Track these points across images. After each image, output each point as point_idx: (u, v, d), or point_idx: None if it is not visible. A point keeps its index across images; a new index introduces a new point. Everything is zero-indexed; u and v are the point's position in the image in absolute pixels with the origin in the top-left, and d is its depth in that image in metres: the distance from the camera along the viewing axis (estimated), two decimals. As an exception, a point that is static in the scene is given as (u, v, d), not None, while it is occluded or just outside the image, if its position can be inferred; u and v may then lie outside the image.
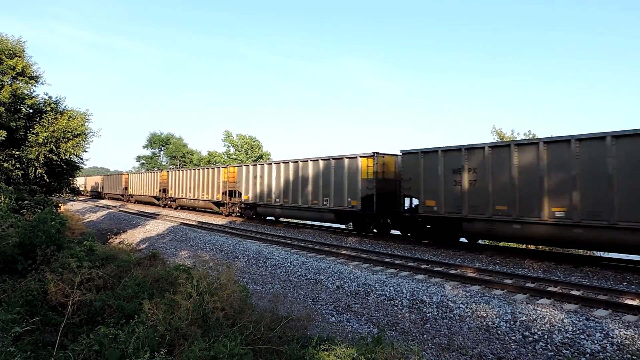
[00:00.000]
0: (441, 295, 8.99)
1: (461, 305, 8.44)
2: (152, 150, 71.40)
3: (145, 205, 41.39)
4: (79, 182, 67.49)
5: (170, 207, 35.82)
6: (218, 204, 28.69)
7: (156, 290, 7.55)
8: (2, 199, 13.75)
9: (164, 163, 69.72)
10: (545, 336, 6.97)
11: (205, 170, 29.64)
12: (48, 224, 9.28)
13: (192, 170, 31.84)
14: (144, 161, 71.50)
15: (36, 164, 17.96)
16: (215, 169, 28.32)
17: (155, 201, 38.94)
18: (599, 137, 10.48)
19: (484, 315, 7.94)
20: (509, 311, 7.87)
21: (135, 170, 71.69)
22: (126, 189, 46.44)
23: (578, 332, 6.89)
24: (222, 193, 27.03)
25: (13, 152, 17.58)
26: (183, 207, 35.52)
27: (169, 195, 35.34)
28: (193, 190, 31.21)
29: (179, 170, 34.13)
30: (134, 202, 44.04)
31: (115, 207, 39.85)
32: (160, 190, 37.18)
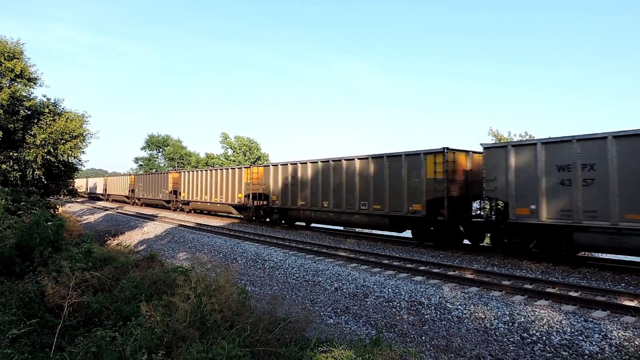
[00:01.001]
0: (439, 297, 8.99)
1: (459, 306, 8.44)
2: (150, 151, 71.23)
3: (202, 215, 30.91)
4: (95, 182, 59.82)
5: (274, 224, 22.81)
6: (417, 221, 15.35)
7: (154, 292, 7.53)
8: None
9: (161, 165, 69.55)
10: (544, 337, 6.97)
11: (376, 160, 16.35)
12: (44, 225, 9.25)
13: (336, 162, 18.05)
14: (141, 163, 71.31)
15: (34, 166, 17.93)
16: (409, 156, 15.20)
17: (235, 212, 26.73)
18: None
19: (482, 316, 7.94)
20: (507, 312, 7.87)
21: (134, 171, 71.19)
22: (175, 192, 33.80)
23: (576, 333, 6.89)
24: (429, 200, 14.31)
25: (11, 153, 17.54)
26: (302, 224, 22.53)
27: (275, 203, 21.66)
28: (337, 196, 17.88)
29: (295, 165, 20.21)
30: (188, 212, 32.13)
31: (113, 208, 39.74)
32: (246, 196, 24.28)
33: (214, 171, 28.57)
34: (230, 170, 26.64)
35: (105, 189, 52.72)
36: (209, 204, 29.12)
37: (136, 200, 42.42)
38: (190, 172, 31.66)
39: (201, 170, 30.33)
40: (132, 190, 43.02)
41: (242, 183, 24.88)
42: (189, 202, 31.95)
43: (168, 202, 35.15)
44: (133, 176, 44.11)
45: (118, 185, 48.11)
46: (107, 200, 52.28)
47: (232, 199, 26.01)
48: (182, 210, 33.36)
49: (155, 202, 38.51)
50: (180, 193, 33.22)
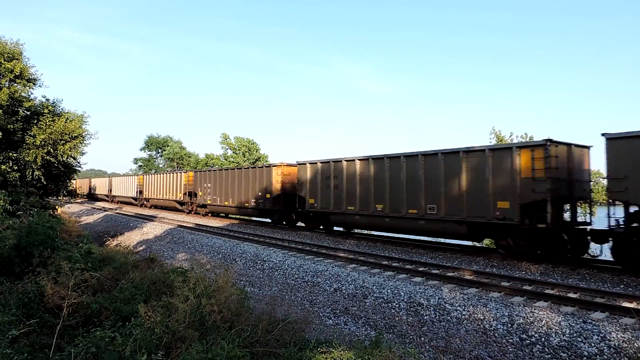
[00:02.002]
0: (438, 298, 8.99)
1: (458, 307, 8.45)
2: (149, 152, 71.26)
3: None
4: (120, 182, 46.74)
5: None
6: None
7: (153, 293, 7.55)
8: (-2, 201, 13.67)
9: (161, 165, 69.53)
10: (543, 339, 6.98)
11: None
12: (42, 226, 9.25)
13: None
14: (141, 163, 71.34)
15: (33, 166, 17.90)
16: None
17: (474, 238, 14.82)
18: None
19: (481, 317, 7.94)
20: (506, 314, 7.88)
21: (133, 171, 70.71)
22: (284, 197, 21.73)
23: (575, 334, 6.90)
24: None
25: (10, 154, 17.53)
26: None
27: None
28: None
29: None
30: (326, 232, 19.94)
31: (112, 209, 39.71)
32: (526, 206, 12.06)
33: (409, 158, 15.23)
34: (488, 153, 13.09)
35: (141, 191, 40.34)
36: (404, 219, 15.38)
37: (196, 208, 30.66)
38: (338, 163, 17.95)
39: (373, 159, 16.58)
40: (190, 194, 31.02)
41: (513, 177, 12.40)
42: (328, 214, 18.71)
43: (271, 212, 22.87)
44: (191, 173, 31.20)
45: (162, 186, 35.32)
46: (143, 206, 40.67)
47: (483, 210, 13.01)
48: (314, 227, 20.51)
49: (239, 212, 26.26)
50: (305, 200, 19.75)
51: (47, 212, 14.90)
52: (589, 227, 12.47)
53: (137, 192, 41.17)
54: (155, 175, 38.16)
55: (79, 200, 52.09)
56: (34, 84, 19.39)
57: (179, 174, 32.92)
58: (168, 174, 35.31)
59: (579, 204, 13.32)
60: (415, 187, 14.96)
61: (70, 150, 19.07)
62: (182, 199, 31.77)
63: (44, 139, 17.82)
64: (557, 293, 9.06)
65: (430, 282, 10.47)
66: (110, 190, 50.06)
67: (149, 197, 38.52)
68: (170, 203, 34.65)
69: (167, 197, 34.69)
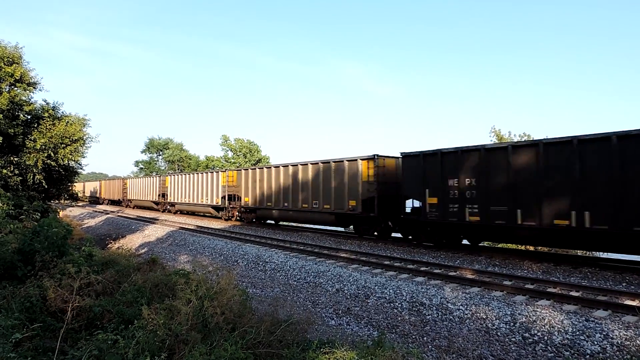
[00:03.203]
0: (441, 298, 8.99)
1: (461, 307, 8.45)
2: (150, 154, 71.30)
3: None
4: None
5: None
6: None
7: (156, 296, 7.56)
8: (0, 205, 13.72)
9: (162, 168, 69.56)
10: (545, 337, 6.98)
11: None
12: (51, 230, 9.26)
13: None
14: (142, 166, 71.37)
15: (34, 170, 17.94)
16: None
17: None
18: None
19: (484, 317, 7.94)
20: (509, 312, 7.87)
21: (134, 174, 70.66)
22: None
23: (578, 333, 6.90)
24: None
25: (11, 158, 17.57)
26: None
27: None
28: None
29: None
30: None
31: (114, 212, 39.74)
32: None
33: None
34: None
35: (164, 194, 33.61)
36: None
37: (237, 214, 24.75)
38: None
39: None
40: (230, 197, 22.94)
41: None
42: None
43: None
44: (232, 173, 22.58)
45: (193, 188, 29.26)
46: (167, 211, 34.61)
47: None
48: None
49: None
50: None
51: (55, 216, 14.95)
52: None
53: (159, 195, 35.96)
54: (184, 175, 31.99)
55: (80, 204, 52.18)
56: (34, 87, 19.44)
57: (214, 173, 27.47)
58: (200, 174, 29.61)
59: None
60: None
61: (70, 154, 19.12)
62: (219, 203, 24.86)
63: (44, 143, 17.87)
64: (559, 291, 9.06)
65: (432, 281, 10.47)
66: (125, 194, 45.36)
67: (175, 201, 32.92)
68: (204, 208, 29.34)
69: (200, 201, 29.11)
